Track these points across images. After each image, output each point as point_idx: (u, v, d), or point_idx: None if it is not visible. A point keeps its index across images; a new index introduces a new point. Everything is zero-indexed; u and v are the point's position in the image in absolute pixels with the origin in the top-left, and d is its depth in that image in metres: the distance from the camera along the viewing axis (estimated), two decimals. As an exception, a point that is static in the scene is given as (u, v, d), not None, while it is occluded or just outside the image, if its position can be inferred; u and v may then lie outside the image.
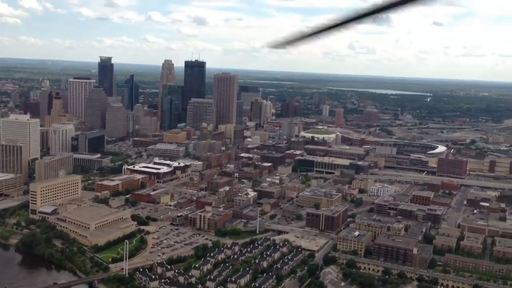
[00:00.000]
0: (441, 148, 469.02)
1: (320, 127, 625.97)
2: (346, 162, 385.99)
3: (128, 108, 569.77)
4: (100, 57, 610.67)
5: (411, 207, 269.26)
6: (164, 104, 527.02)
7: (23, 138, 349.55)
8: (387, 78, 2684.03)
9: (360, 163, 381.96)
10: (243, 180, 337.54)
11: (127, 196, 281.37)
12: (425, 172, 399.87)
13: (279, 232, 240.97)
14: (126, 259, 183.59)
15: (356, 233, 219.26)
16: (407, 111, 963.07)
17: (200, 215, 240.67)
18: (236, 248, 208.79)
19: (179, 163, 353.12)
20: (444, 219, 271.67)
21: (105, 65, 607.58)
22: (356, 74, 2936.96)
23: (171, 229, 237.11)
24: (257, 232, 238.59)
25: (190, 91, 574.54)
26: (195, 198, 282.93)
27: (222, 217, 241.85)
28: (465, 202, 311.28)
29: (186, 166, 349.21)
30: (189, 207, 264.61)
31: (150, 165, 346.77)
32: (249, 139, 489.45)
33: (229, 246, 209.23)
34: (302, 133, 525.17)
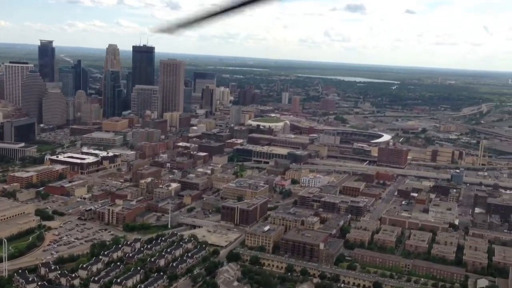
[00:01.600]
0: (385, 137, 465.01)
1: (273, 115, 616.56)
2: (285, 151, 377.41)
3: (73, 94, 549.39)
4: (40, 40, 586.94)
5: (335, 199, 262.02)
6: (106, 90, 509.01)
7: None
8: (361, 66, 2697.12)
9: (298, 152, 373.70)
10: (174, 170, 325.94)
11: (41, 188, 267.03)
12: (367, 161, 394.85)
13: (193, 227, 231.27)
14: (5, 260, 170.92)
15: (266, 227, 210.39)
16: (368, 99, 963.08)
17: (109, 209, 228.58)
18: (138, 245, 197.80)
19: (107, 153, 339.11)
20: (369, 211, 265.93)
21: (46, 49, 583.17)
22: (331, 62, 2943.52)
23: (77, 225, 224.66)
24: (169, 226, 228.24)
25: (139, 78, 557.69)
26: (114, 190, 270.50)
27: (132, 211, 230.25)
28: (396, 193, 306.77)
29: (115, 156, 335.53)
30: (104, 200, 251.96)
31: (76, 155, 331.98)
32: (194, 128, 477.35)
33: (128, 243, 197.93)
34: (249, 121, 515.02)
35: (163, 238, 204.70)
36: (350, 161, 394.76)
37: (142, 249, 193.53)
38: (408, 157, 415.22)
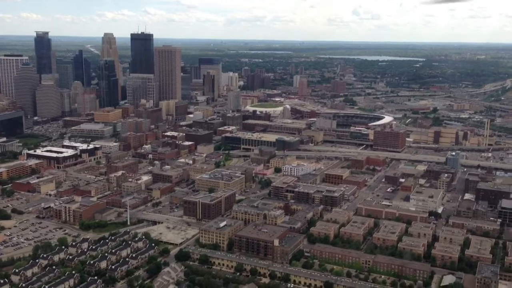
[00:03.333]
0: (386, 119, 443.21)
1: (278, 99, 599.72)
2: (274, 138, 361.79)
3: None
4: (36, 32, 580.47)
5: (309, 188, 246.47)
6: (101, 80, 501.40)
7: None
8: (391, 44, 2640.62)
9: (287, 139, 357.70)
10: (155, 162, 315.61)
11: (9, 185, 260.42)
12: (364, 146, 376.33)
13: (154, 223, 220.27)
14: None
15: (223, 223, 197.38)
16: (386, 78, 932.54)
17: (65, 207, 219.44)
18: (85, 245, 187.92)
19: (88, 145, 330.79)
20: (349, 200, 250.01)
21: (42, 41, 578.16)
22: (360, 41, 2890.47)
23: (33, 224, 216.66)
24: (128, 223, 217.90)
25: (138, 66, 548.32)
26: (81, 185, 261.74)
27: (90, 208, 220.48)
28: (384, 180, 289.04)
29: (95, 149, 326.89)
30: (68, 197, 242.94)
31: (56, 148, 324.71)
32: (190, 116, 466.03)
33: (74, 243, 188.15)
34: (248, 107, 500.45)
35: (112, 238, 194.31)
36: (346, 146, 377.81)
37: (86, 250, 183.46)
38: (409, 140, 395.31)
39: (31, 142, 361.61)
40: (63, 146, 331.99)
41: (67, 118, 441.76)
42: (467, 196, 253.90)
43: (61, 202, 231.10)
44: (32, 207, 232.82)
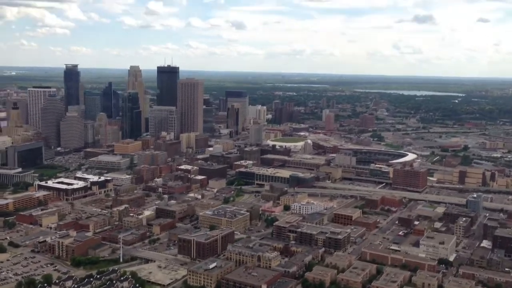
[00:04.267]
0: (410, 156, 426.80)
1: (303, 133, 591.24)
2: (288, 174, 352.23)
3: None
4: (66, 64, 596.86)
5: (313, 229, 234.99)
6: (124, 112, 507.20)
7: None
8: (433, 79, 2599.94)
9: (301, 175, 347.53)
10: (164, 196, 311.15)
11: (13, 217, 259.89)
12: (384, 184, 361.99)
13: (147, 261, 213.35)
14: None
15: (213, 264, 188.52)
16: (419, 114, 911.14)
17: (59, 241, 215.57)
18: (69, 284, 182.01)
19: (99, 178, 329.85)
20: (355, 243, 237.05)
21: (71, 73, 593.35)
22: (400, 75, 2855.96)
23: (26, 258, 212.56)
24: (121, 260, 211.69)
25: (164, 98, 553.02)
26: (81, 219, 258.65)
27: (83, 244, 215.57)
28: (397, 222, 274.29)
29: (106, 181, 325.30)
30: (65, 230, 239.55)
31: (67, 180, 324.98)
32: (210, 149, 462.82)
33: (57, 281, 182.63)
34: (268, 141, 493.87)
35: (99, 276, 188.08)
36: (365, 184, 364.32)
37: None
38: (433, 179, 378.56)
39: (48, 173, 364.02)
40: (75, 178, 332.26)
41: (88, 150, 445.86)
42: (484, 243, 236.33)
43: (57, 236, 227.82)
44: (29, 241, 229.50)
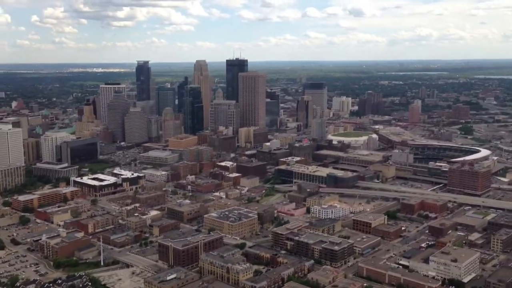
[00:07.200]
0: (482, 153, 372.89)
1: (377, 126, 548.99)
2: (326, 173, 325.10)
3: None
4: (137, 60, 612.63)
5: (312, 238, 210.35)
6: (185, 107, 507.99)
7: (3, 148, 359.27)
8: None
9: (340, 174, 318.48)
10: (189, 194, 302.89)
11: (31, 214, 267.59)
12: (441, 185, 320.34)
13: (128, 266, 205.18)
14: None
15: (172, 275, 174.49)
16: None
17: (46, 242, 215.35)
18: None
19: (132, 174, 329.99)
20: (363, 255, 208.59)
21: (142, 69, 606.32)
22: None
23: (17, 257, 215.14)
24: (102, 264, 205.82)
25: (231, 92, 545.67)
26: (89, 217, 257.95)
27: (68, 245, 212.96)
28: (427, 231, 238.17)
29: (138, 178, 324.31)
30: (70, 229, 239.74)
31: (102, 176, 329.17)
32: (267, 144, 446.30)
33: (18, 285, 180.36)
34: (329, 136, 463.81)
35: (61, 281, 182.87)
36: (419, 185, 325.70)
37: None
38: (504, 180, 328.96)
39: (98, 168, 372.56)
40: (112, 174, 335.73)
41: (147, 144, 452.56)
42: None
43: (50, 235, 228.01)
44: (30, 238, 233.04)
